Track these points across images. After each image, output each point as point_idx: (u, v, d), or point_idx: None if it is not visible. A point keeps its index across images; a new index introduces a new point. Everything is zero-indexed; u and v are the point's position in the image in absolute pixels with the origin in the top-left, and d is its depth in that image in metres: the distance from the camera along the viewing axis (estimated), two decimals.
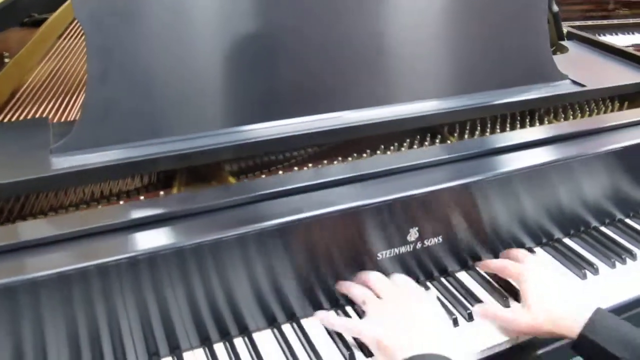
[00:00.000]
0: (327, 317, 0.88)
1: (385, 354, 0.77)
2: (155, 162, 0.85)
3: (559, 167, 1.00)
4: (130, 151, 0.86)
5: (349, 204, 0.85)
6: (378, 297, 0.86)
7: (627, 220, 1.17)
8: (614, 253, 1.07)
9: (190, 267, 0.77)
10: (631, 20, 2.26)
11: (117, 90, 0.85)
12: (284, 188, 0.85)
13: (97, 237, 0.74)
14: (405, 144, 1.06)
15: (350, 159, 1.02)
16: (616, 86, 1.18)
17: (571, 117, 1.20)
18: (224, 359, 0.84)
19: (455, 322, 0.91)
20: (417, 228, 0.92)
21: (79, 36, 1.44)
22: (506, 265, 0.95)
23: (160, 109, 0.87)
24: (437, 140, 1.09)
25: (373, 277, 0.89)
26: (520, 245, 1.07)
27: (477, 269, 1.02)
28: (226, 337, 0.86)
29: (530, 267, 0.92)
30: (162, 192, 0.88)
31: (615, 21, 2.22)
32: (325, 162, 0.99)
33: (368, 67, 0.99)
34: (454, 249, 0.98)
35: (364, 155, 1.03)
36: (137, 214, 0.77)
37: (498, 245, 1.03)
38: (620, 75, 1.23)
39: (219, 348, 0.86)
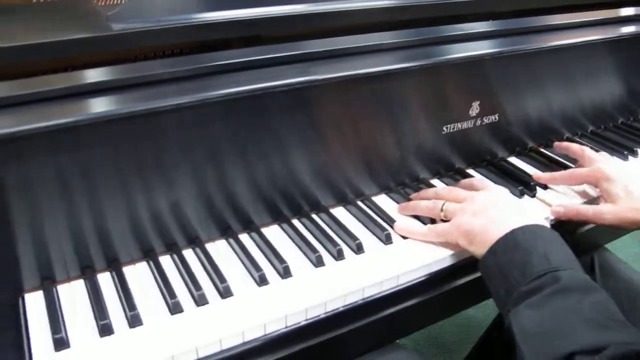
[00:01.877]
0: (408, 227, 0.82)
1: (478, 242, 0.73)
2: (227, 27, 0.80)
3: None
4: (188, 19, 0.80)
5: (423, 61, 0.83)
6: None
7: None
8: None
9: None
10: None
11: None
12: (362, 44, 0.83)
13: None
14: None
15: None
16: None
17: None
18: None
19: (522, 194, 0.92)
20: (478, 102, 0.91)
21: None
22: (581, 171, 0.91)
23: None
24: None
25: (441, 189, 0.86)
26: (560, 135, 1.09)
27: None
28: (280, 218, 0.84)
29: (607, 164, 0.89)
30: None
31: None
32: None
33: None
34: (507, 130, 0.99)
35: None
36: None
37: (544, 132, 1.05)
38: None
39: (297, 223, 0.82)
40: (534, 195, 0.92)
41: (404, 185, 0.91)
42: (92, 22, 0.78)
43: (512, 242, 0.69)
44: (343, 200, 0.87)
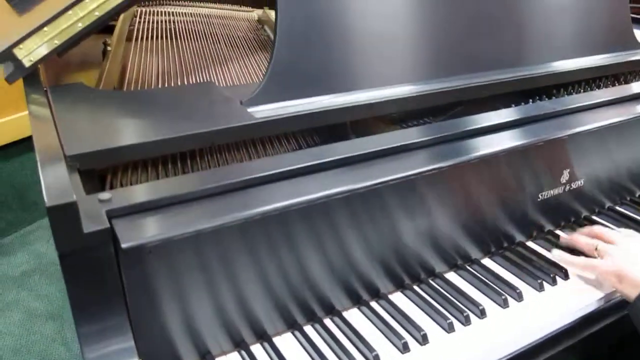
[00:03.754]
0: (563, 257, 0.94)
1: (628, 282, 0.83)
2: (350, 111, 0.88)
3: None
4: (318, 103, 0.88)
5: (520, 142, 0.92)
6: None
7: None
8: None
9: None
10: None
11: (305, 44, 0.88)
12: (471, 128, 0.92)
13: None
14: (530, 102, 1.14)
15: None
16: None
17: None
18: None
19: None
20: (568, 170, 0.99)
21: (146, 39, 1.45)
22: None
23: (347, 61, 0.91)
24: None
25: (597, 228, 0.97)
26: (633, 193, 1.16)
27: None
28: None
29: None
30: None
31: None
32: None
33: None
34: (593, 192, 1.07)
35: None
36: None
37: (621, 192, 1.14)
38: None
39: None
40: None
41: (504, 249, 0.98)
42: (227, 111, 0.85)
43: None
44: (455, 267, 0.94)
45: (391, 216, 0.82)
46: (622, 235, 0.93)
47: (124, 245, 0.62)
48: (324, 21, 0.90)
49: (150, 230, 0.64)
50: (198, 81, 1.13)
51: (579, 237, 0.96)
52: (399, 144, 0.85)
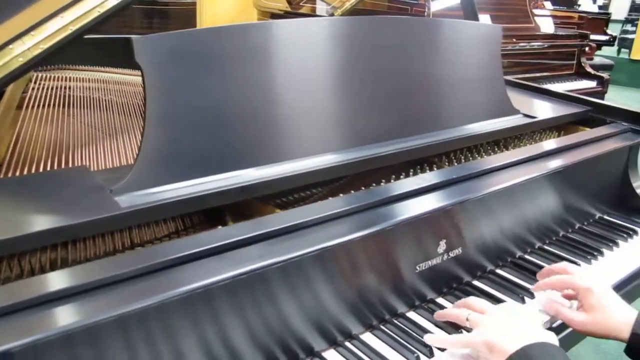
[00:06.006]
0: (437, 338, 0.94)
1: (497, 352, 0.84)
2: (221, 195, 0.89)
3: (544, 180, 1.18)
4: (190, 187, 0.89)
5: (400, 217, 0.95)
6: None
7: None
8: (609, 240, 1.30)
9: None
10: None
11: (175, 130, 0.89)
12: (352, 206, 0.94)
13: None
14: (411, 171, 1.19)
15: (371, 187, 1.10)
16: (560, 116, 1.39)
17: (524, 143, 1.39)
18: None
19: None
20: (445, 240, 1.02)
21: (39, 106, 1.42)
22: (573, 281, 1.04)
23: (219, 145, 0.92)
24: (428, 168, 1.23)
25: (470, 299, 0.98)
26: (513, 254, 1.21)
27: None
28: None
29: (593, 280, 1.02)
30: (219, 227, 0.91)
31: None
32: (352, 191, 1.07)
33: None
34: (472, 258, 1.11)
35: (382, 182, 1.14)
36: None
37: (500, 254, 1.18)
38: (557, 109, 1.45)
39: None
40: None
41: (385, 321, 1.00)
42: (96, 200, 0.84)
43: (524, 356, 0.82)
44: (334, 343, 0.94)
45: (272, 297, 0.82)
46: (494, 306, 0.95)
47: None
48: (194, 102, 0.91)
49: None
50: (83, 157, 1.11)
51: (449, 310, 0.98)
52: (284, 225, 0.85)
